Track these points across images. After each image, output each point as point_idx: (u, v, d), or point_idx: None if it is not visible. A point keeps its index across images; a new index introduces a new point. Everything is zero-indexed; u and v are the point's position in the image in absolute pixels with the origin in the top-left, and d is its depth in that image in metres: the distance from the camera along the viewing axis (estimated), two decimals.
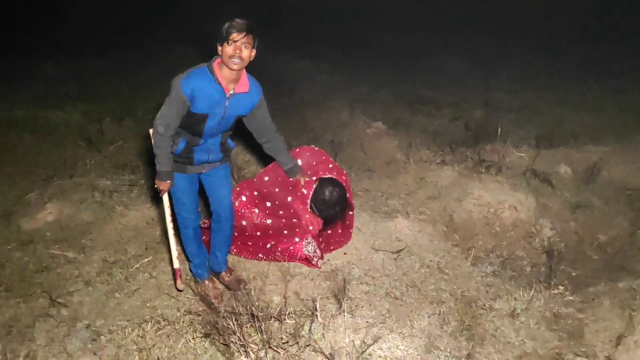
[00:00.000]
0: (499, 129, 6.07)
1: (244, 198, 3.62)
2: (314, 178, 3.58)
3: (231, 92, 2.84)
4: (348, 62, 11.75)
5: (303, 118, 7.89)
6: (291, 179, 3.55)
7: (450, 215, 4.58)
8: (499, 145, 5.73)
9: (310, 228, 3.58)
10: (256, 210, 3.63)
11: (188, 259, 3.46)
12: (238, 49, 2.66)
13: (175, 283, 3.31)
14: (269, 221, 3.62)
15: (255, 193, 3.61)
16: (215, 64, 2.79)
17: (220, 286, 3.53)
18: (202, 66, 2.81)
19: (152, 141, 2.93)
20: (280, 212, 3.60)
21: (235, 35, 2.63)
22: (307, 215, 3.56)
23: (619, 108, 8.16)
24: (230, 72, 2.75)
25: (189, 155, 3.01)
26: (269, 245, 3.66)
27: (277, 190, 3.56)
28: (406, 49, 13.17)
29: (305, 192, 3.54)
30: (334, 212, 3.62)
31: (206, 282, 3.45)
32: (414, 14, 17.38)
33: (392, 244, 3.99)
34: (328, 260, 3.71)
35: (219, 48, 2.69)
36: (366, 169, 5.70)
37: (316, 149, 3.77)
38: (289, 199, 3.55)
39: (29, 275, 3.81)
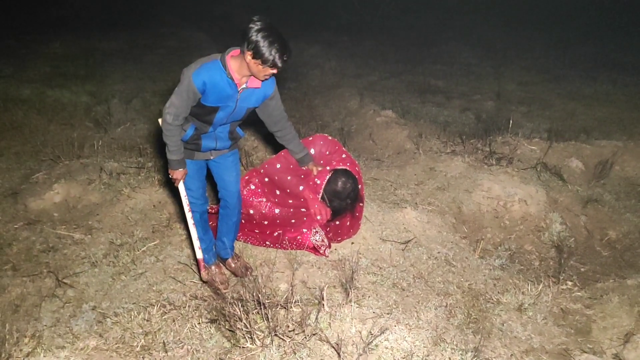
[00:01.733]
0: (511, 121, 6.01)
1: (252, 186, 3.59)
2: (328, 168, 3.54)
3: (243, 86, 2.78)
4: (358, 49, 11.68)
5: (311, 105, 7.84)
6: (303, 168, 3.52)
7: (459, 206, 4.54)
8: (510, 137, 5.67)
9: (318, 217, 3.55)
10: (264, 200, 3.59)
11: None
12: (273, 73, 2.66)
13: (199, 274, 3.31)
14: (277, 210, 3.58)
15: (266, 179, 3.57)
16: (229, 57, 2.69)
17: (227, 272, 3.52)
18: (215, 59, 2.71)
19: (162, 130, 2.88)
20: (290, 201, 3.56)
21: (280, 67, 2.60)
22: (316, 205, 3.52)
23: (630, 103, 8.08)
24: (247, 70, 2.67)
25: (196, 141, 2.97)
26: (276, 234, 3.64)
27: (288, 178, 3.52)
28: (417, 38, 13.07)
29: (318, 181, 3.50)
30: (344, 204, 3.59)
31: (212, 267, 3.44)
32: (426, 3, 17.22)
33: (400, 235, 3.96)
34: (335, 249, 3.69)
35: (251, 59, 2.56)
36: (375, 158, 5.66)
37: (329, 138, 3.72)
38: (301, 187, 3.51)
39: (36, 255, 3.81)
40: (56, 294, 3.37)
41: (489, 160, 5.10)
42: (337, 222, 3.72)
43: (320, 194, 3.51)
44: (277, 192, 3.57)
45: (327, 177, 3.50)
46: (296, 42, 11.12)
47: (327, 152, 3.65)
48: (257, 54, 2.52)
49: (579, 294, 3.68)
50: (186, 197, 3.10)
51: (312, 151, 3.59)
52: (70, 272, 3.59)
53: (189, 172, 3.06)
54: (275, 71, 2.64)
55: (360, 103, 7.43)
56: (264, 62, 2.54)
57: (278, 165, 3.55)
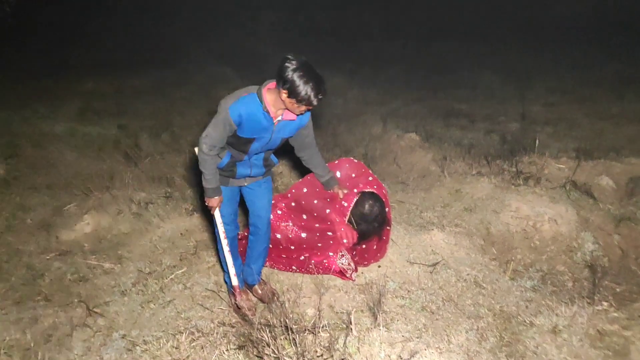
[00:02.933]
0: (537, 141, 5.94)
1: (279, 211, 3.62)
2: (355, 190, 3.55)
3: (279, 118, 2.84)
4: (380, 77, 11.76)
5: (335, 132, 7.89)
6: (329, 192, 3.54)
7: (487, 228, 4.47)
8: (537, 157, 5.59)
9: (345, 241, 3.55)
10: (290, 224, 3.61)
11: (223, 270, 3.46)
12: (309, 109, 2.74)
13: (235, 299, 3.33)
14: (303, 235, 3.60)
15: (293, 204, 3.60)
16: (265, 90, 2.76)
17: (254, 298, 3.52)
18: (252, 92, 2.77)
19: (198, 159, 2.95)
20: (316, 225, 3.57)
21: (315, 105, 2.67)
22: (343, 228, 3.52)
23: None
24: (282, 103, 2.73)
25: (232, 169, 3.03)
26: (302, 258, 3.64)
27: (315, 201, 3.54)
28: (438, 64, 13.11)
29: (345, 204, 3.51)
30: (371, 228, 3.59)
31: (240, 291, 3.44)
32: (446, 29, 17.33)
33: (428, 257, 3.91)
34: (362, 273, 3.66)
35: (286, 97, 2.64)
36: (400, 182, 5.64)
37: (355, 161, 3.76)
38: (327, 210, 3.52)
39: (67, 285, 3.88)
40: (87, 323, 3.41)
41: (516, 181, 5.03)
42: (364, 246, 3.70)
43: (347, 217, 3.51)
44: (304, 217, 3.59)
45: (355, 199, 3.50)
46: (319, 71, 11.26)
47: (354, 175, 3.68)
48: (292, 93, 2.59)
49: (616, 314, 3.55)
50: (222, 224, 3.15)
51: (338, 174, 3.62)
52: (101, 301, 3.65)
53: (222, 198, 3.11)
54: (310, 108, 2.70)
55: (384, 128, 7.45)
56: (299, 101, 2.61)
57: (305, 189, 3.58)
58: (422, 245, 4.03)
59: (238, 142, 2.89)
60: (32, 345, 3.18)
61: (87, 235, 4.50)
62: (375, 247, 3.76)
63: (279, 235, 3.62)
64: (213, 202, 3.04)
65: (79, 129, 7.11)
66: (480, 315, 3.36)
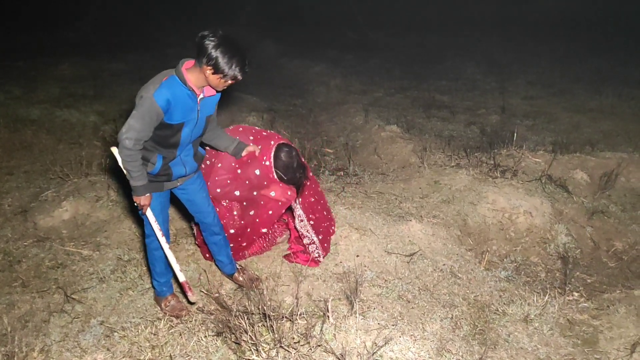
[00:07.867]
0: (515, 134, 6.04)
1: (224, 203, 3.50)
2: (272, 142, 3.42)
3: (201, 96, 2.78)
4: (363, 67, 11.78)
5: (317, 121, 7.90)
6: (243, 156, 3.37)
7: (464, 219, 4.55)
8: (514, 150, 5.69)
9: (289, 193, 3.45)
10: (235, 213, 3.52)
11: (154, 278, 3.31)
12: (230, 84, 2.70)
13: (187, 297, 3.17)
14: (251, 212, 3.51)
15: (228, 181, 3.40)
16: (184, 69, 2.68)
17: (184, 300, 3.42)
18: (171, 74, 2.68)
19: (119, 158, 2.80)
20: (255, 193, 3.44)
21: (241, 79, 2.65)
22: (280, 185, 3.43)
23: (636, 116, 8.08)
24: (204, 81, 2.68)
25: (167, 172, 2.90)
26: (265, 230, 3.60)
27: (238, 171, 3.40)
28: (422, 54, 13.17)
29: (267, 163, 3.37)
30: (298, 175, 3.48)
31: (169, 297, 3.36)
32: (430, 20, 17.40)
33: (405, 247, 3.98)
34: (340, 262, 3.71)
35: (211, 74, 2.59)
36: (380, 172, 5.69)
37: (243, 125, 3.65)
38: (257, 172, 3.38)
39: (45, 271, 3.86)
40: (65, 309, 3.40)
41: (493, 173, 5.11)
42: (303, 201, 3.63)
43: (274, 173, 3.39)
44: (246, 182, 3.45)
45: (272, 153, 3.37)
46: (302, 60, 11.25)
47: (251, 137, 3.48)
48: (217, 70, 2.56)
49: (586, 304, 3.67)
50: (156, 223, 2.96)
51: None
52: (79, 287, 3.63)
53: (157, 206, 2.97)
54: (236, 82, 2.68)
55: (366, 118, 7.49)
56: (225, 77, 2.59)
57: (219, 164, 3.42)
58: (400, 235, 4.09)
59: (168, 134, 2.75)
60: (8, 330, 3.16)
61: (65, 221, 4.46)
62: (313, 199, 3.72)
63: (235, 212, 3.52)
64: (145, 200, 2.83)
65: (56, 113, 7.00)
66: (455, 304, 3.44)
